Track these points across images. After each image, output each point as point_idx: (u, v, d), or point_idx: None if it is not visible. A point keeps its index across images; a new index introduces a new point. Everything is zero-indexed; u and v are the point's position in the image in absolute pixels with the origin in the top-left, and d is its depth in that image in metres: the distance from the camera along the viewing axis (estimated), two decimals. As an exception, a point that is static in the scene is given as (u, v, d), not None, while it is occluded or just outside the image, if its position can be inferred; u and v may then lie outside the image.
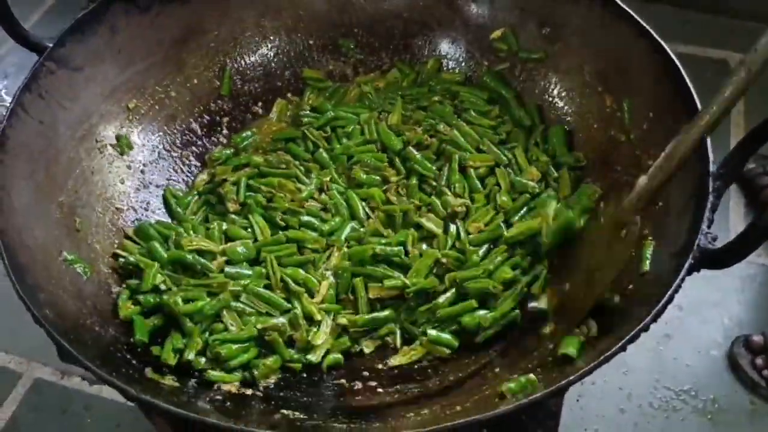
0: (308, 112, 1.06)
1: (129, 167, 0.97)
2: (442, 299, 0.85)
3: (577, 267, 0.83)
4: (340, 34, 1.13)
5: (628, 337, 0.66)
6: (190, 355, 0.79)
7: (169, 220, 0.96)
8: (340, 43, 1.13)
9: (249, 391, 0.77)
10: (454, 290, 0.85)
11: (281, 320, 0.82)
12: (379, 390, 0.81)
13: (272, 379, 0.80)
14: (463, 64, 1.11)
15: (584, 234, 0.85)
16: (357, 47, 1.14)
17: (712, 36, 1.30)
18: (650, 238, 0.80)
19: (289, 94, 1.11)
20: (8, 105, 0.83)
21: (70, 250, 0.83)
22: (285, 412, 0.74)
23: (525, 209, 0.91)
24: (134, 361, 0.74)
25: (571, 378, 0.63)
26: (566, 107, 1.01)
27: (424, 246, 0.90)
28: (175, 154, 1.03)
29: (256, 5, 1.09)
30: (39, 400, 1.01)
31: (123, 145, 0.97)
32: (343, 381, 0.82)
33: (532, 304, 0.83)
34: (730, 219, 1.10)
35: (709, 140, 0.77)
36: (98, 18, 0.94)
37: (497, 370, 0.78)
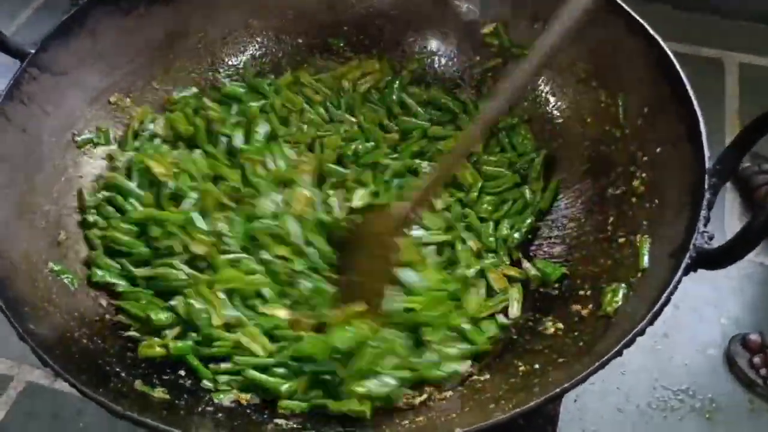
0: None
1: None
2: None
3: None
4: (330, 33, 1.11)
5: (625, 340, 0.65)
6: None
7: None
8: (330, 42, 1.12)
9: (243, 402, 0.76)
10: None
11: None
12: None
13: None
14: (454, 59, 1.09)
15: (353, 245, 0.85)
16: (347, 45, 1.12)
17: (707, 35, 1.29)
18: (646, 235, 0.79)
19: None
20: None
21: (57, 260, 0.81)
22: (278, 422, 0.73)
23: None
24: (123, 374, 0.72)
25: (566, 385, 0.62)
26: (559, 102, 1.00)
27: None
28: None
29: (243, 5, 1.08)
30: (30, 404, 1.00)
31: (110, 152, 0.95)
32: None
33: None
34: (725, 218, 1.09)
35: (705, 137, 0.76)
36: (81, 21, 0.92)
37: (489, 377, 0.77)
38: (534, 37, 0.98)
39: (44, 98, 0.88)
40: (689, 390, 0.95)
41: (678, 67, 0.82)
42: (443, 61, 1.10)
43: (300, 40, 1.11)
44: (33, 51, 0.87)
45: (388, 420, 0.74)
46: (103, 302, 0.83)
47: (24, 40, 0.90)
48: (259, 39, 1.10)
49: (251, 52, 1.10)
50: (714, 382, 0.95)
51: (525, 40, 1.02)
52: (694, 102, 0.78)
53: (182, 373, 0.78)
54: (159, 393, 0.72)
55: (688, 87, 0.80)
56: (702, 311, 1.01)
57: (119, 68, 0.98)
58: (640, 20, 0.87)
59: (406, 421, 0.73)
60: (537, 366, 0.74)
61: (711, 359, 0.97)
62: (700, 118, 0.77)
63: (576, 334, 0.76)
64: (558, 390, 0.62)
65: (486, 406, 0.71)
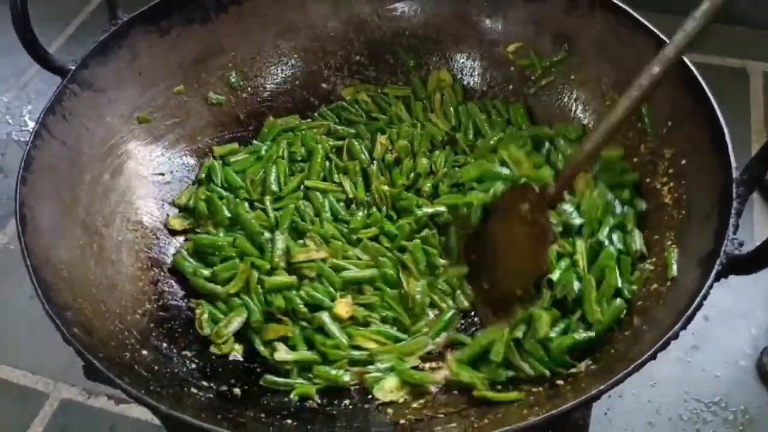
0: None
1: (152, 186, 0.98)
2: None
3: (492, 266, 0.86)
4: (356, 52, 1.14)
5: (658, 345, 0.65)
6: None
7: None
8: (356, 61, 1.14)
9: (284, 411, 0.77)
10: None
11: None
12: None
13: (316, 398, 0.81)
14: (478, 79, 1.11)
15: (494, 231, 0.87)
16: (372, 65, 1.15)
17: (730, 45, 1.30)
18: (674, 245, 0.80)
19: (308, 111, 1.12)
20: (31, 129, 0.85)
21: (96, 268, 0.83)
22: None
23: None
24: (164, 378, 0.74)
25: (602, 387, 0.63)
26: (582, 116, 1.01)
27: None
28: (196, 172, 1.03)
29: (272, 26, 1.11)
30: (66, 420, 1.01)
31: (146, 164, 0.98)
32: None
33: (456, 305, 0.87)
34: (755, 232, 1.09)
35: (731, 146, 0.77)
36: (120, 41, 0.95)
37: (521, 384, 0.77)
38: (556, 56, 1.02)
39: (84, 114, 0.91)
40: (721, 402, 0.94)
41: (700, 78, 0.83)
42: (467, 79, 1.12)
43: (326, 60, 1.14)
44: (74, 68, 0.90)
45: (422, 426, 0.74)
46: (140, 311, 0.84)
47: (65, 58, 0.93)
48: (287, 58, 1.13)
49: (279, 70, 1.13)
50: (746, 393, 0.94)
51: (548, 59, 1.04)
52: (718, 111, 0.79)
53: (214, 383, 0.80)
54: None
55: (711, 97, 0.81)
56: (731, 323, 1.00)
57: (155, 86, 1.01)
58: (661, 35, 0.88)
59: (439, 428, 0.73)
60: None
61: (742, 370, 0.96)
62: (724, 127, 0.78)
63: (610, 341, 0.76)
64: (594, 392, 0.62)
65: (519, 412, 0.72)
